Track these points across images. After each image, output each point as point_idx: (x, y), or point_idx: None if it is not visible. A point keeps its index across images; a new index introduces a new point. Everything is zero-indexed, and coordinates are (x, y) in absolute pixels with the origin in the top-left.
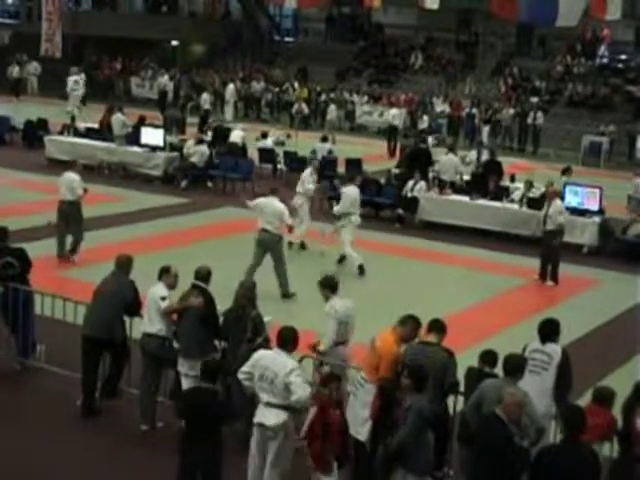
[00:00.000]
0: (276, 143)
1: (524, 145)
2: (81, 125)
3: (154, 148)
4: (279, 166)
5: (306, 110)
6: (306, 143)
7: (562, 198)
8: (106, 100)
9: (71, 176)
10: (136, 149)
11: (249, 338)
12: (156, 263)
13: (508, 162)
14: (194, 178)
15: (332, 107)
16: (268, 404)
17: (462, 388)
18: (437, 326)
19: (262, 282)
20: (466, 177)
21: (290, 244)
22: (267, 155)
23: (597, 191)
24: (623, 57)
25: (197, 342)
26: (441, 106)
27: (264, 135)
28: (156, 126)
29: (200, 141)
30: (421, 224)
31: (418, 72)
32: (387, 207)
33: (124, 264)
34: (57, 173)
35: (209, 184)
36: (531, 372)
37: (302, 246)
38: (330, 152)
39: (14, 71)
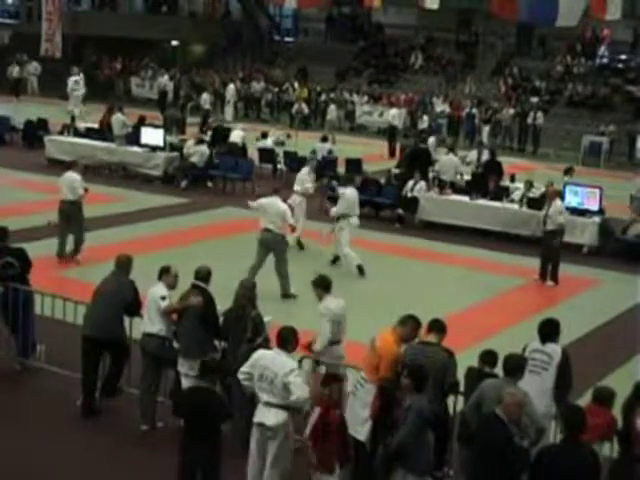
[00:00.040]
0: (276, 143)
1: (524, 145)
2: (81, 125)
3: (154, 148)
4: (279, 166)
5: (306, 110)
6: (306, 143)
7: (562, 198)
8: (106, 100)
9: (72, 176)
10: (136, 149)
11: (249, 338)
12: (156, 263)
13: (508, 162)
14: (194, 178)
15: (332, 107)
16: (268, 404)
17: (462, 388)
18: (437, 326)
19: (262, 282)
20: (466, 177)
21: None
22: (267, 155)
23: (597, 191)
24: (623, 57)
25: (197, 342)
26: (441, 106)
27: (264, 135)
28: (156, 126)
29: (200, 141)
30: (421, 224)
31: (418, 72)
32: (387, 207)
33: (124, 264)
34: (57, 173)
35: (209, 184)
36: (531, 372)
37: (301, 246)
38: (330, 152)
39: (14, 71)
